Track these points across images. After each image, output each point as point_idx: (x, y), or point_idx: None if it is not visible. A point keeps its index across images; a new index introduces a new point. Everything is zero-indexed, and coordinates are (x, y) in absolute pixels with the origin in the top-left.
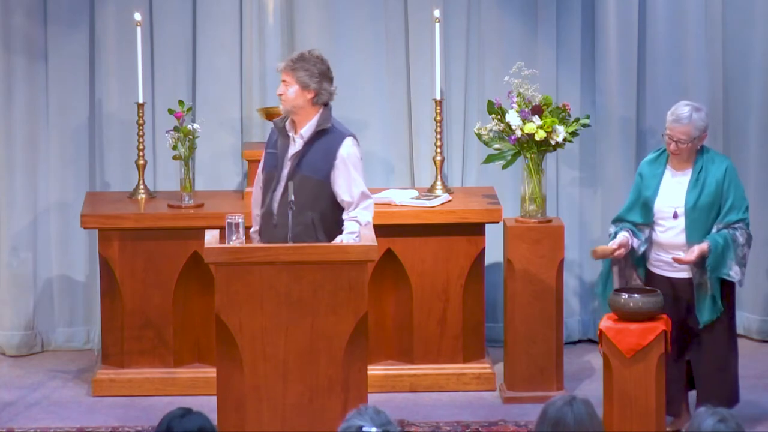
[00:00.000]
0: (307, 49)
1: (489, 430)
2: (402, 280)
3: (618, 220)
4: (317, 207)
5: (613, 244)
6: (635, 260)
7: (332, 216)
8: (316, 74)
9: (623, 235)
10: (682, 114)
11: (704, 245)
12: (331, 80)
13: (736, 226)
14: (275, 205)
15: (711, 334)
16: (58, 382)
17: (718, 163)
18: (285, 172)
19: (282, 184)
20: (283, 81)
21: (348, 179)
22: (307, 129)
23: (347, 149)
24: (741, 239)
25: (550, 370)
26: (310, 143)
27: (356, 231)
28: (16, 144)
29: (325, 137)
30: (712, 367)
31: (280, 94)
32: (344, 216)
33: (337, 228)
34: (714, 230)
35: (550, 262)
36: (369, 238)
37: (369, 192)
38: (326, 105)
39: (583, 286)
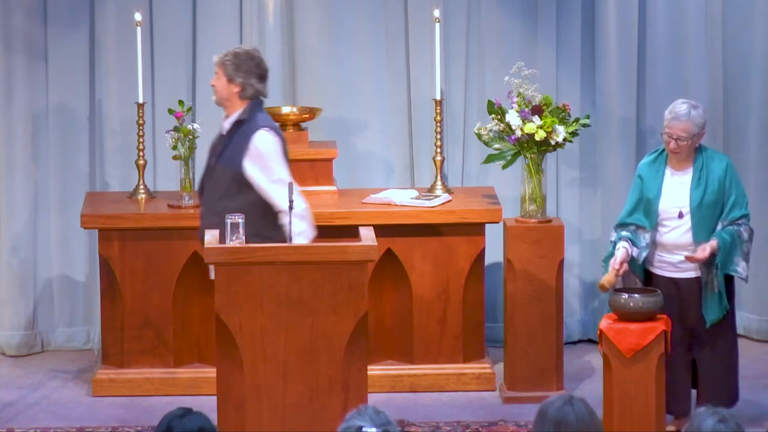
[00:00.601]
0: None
1: (489, 430)
2: (402, 280)
3: (621, 225)
4: (235, 198)
5: (614, 265)
6: (632, 264)
7: (252, 208)
8: (243, 69)
9: (623, 248)
10: (680, 111)
11: (714, 243)
12: (260, 77)
13: (740, 222)
14: (202, 196)
15: (716, 333)
16: (58, 382)
17: (718, 161)
18: (211, 164)
19: (209, 174)
20: (216, 73)
21: (264, 170)
22: (228, 121)
23: (260, 140)
24: (745, 234)
25: (550, 370)
26: (230, 135)
27: (303, 229)
28: (16, 144)
29: (242, 129)
30: (716, 365)
31: (213, 85)
32: (278, 213)
33: (258, 220)
34: (719, 227)
35: (550, 262)
36: (369, 237)
37: (290, 179)
38: (254, 100)
39: (583, 286)
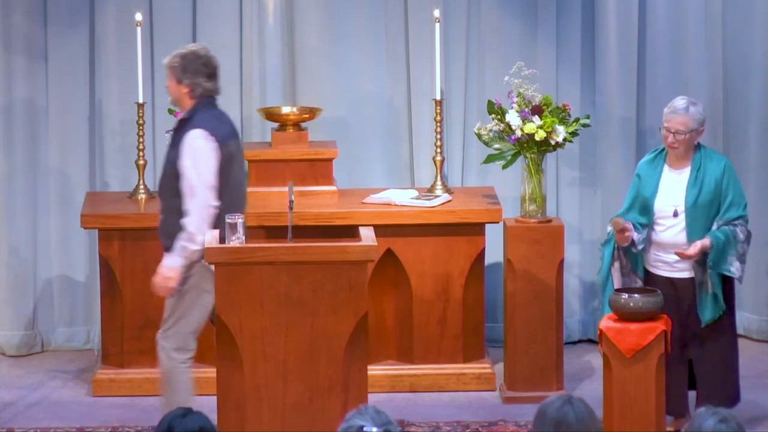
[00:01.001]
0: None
1: (489, 430)
2: (402, 280)
3: None
4: (178, 196)
5: (625, 223)
6: (633, 260)
7: None
8: (190, 70)
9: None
10: (678, 106)
11: (706, 240)
12: (208, 76)
13: (736, 222)
14: (160, 194)
15: (713, 334)
16: (58, 382)
17: (716, 161)
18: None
19: (163, 172)
20: (167, 75)
21: (184, 171)
22: (177, 120)
23: (190, 140)
24: (741, 236)
25: (550, 370)
26: (176, 133)
27: (175, 260)
28: (16, 144)
29: (184, 127)
30: (714, 366)
31: (167, 87)
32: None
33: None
34: (714, 227)
35: (550, 262)
36: (369, 237)
37: (201, 186)
38: (203, 98)
39: (583, 286)
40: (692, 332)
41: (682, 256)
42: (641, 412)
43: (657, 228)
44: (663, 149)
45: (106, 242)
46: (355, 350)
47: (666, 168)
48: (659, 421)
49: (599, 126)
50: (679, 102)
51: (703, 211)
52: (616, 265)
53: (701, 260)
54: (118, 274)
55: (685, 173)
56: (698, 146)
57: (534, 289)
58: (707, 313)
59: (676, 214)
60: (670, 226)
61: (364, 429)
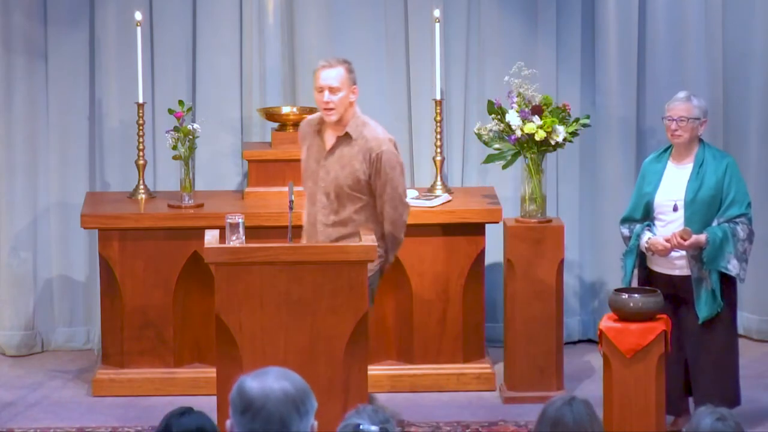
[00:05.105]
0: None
1: (489, 430)
2: (402, 280)
3: (627, 221)
4: None
5: (665, 241)
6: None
7: None
8: None
9: (650, 234)
10: (679, 96)
11: (702, 236)
12: None
13: (737, 220)
14: None
15: (711, 332)
16: (58, 382)
17: (719, 159)
18: None
19: None
20: None
21: None
22: None
23: None
24: (742, 234)
25: (550, 370)
26: None
27: None
28: (16, 144)
29: None
30: (710, 366)
31: None
32: None
33: None
34: (714, 224)
35: (550, 262)
36: (369, 238)
37: None
38: None
39: (583, 286)
40: (689, 331)
41: (672, 244)
42: (641, 412)
43: (658, 224)
44: (668, 148)
45: (106, 242)
46: (355, 350)
47: (669, 163)
48: (659, 421)
49: (599, 126)
50: (680, 93)
51: (701, 207)
52: (635, 272)
53: (698, 257)
54: (118, 274)
55: (688, 168)
56: (702, 143)
57: (534, 289)
58: (704, 310)
59: (675, 209)
60: (670, 222)
61: (362, 427)
